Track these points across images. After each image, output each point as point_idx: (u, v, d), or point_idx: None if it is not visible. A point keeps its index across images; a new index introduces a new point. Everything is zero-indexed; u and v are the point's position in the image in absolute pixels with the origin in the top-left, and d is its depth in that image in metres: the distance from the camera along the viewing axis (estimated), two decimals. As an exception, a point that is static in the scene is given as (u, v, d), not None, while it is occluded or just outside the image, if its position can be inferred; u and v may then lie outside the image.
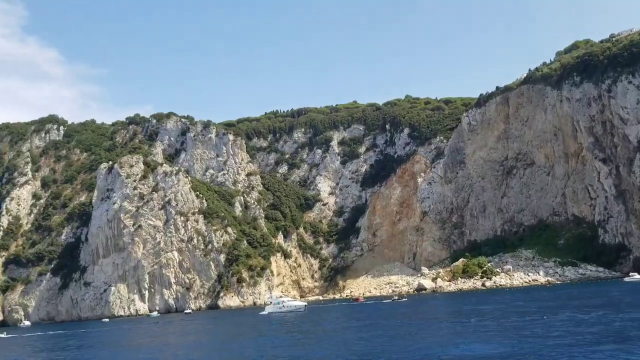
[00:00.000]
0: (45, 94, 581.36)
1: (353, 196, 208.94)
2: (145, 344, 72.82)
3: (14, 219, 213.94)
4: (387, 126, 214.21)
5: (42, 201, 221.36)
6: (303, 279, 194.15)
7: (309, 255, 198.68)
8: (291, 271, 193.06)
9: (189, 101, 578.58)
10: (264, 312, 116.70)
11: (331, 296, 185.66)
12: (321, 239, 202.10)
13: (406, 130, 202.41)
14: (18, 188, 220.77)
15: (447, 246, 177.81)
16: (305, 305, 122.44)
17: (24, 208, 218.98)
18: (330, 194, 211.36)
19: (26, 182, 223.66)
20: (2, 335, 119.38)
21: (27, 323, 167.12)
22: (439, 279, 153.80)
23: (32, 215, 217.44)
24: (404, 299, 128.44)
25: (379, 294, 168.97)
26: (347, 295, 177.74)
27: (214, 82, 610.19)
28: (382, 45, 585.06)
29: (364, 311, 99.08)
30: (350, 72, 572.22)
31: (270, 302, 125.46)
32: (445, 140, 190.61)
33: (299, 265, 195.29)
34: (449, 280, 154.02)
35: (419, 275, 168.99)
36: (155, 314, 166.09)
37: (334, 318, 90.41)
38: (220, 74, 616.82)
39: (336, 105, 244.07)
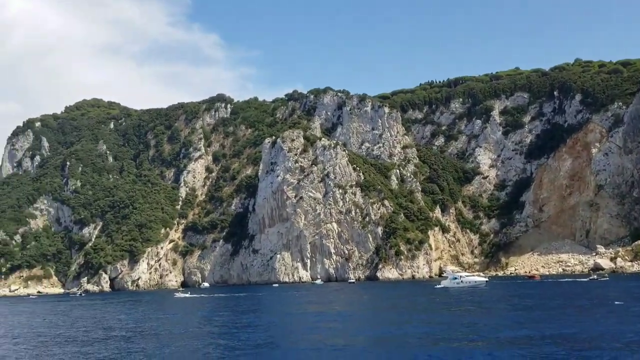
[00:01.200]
0: (208, 77, 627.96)
1: (516, 169, 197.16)
2: (365, 309, 75.22)
3: (191, 190, 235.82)
4: (555, 93, 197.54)
5: (213, 174, 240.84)
6: (462, 254, 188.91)
7: (468, 230, 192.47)
8: (449, 246, 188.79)
9: (340, 76, 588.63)
10: (439, 286, 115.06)
11: (493, 273, 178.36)
12: (481, 214, 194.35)
13: (578, 97, 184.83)
14: (193, 162, 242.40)
15: (627, 223, 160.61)
16: (486, 281, 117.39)
17: (198, 180, 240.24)
18: (491, 166, 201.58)
19: (200, 157, 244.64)
20: (187, 295, 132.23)
21: (206, 285, 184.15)
22: (618, 259, 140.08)
23: (206, 187, 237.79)
24: (605, 278, 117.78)
25: (547, 273, 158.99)
26: (511, 273, 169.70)
27: (367, 55, 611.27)
28: (546, 6, 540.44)
29: (566, 290, 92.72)
30: (511, 37, 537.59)
31: (447, 277, 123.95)
32: (624, 107, 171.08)
33: (458, 240, 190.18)
34: (631, 261, 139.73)
35: (594, 254, 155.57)
36: (318, 281, 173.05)
37: (534, 295, 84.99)
38: (373, 46, 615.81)
39: (496, 72, 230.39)
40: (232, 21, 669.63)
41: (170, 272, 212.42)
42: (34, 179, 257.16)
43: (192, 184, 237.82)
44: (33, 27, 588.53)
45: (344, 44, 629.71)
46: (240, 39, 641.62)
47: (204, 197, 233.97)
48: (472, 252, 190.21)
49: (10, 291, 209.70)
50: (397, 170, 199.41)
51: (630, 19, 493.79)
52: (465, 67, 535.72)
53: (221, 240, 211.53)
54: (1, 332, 66.25)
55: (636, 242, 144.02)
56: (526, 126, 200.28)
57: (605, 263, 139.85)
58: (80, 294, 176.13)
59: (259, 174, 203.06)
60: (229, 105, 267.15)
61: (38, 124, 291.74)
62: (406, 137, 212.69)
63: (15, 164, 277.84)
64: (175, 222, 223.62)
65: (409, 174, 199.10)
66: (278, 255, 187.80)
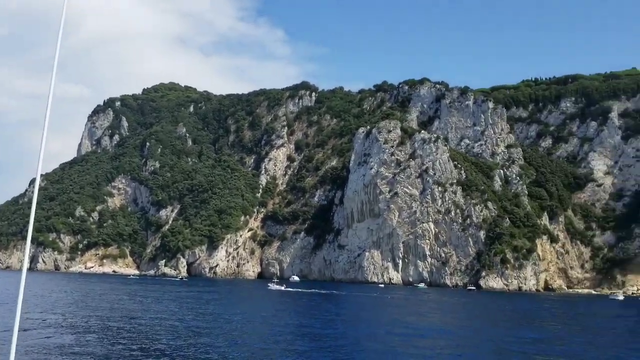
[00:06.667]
0: (270, 72, 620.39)
1: (637, 178, 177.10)
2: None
3: (271, 178, 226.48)
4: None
5: (295, 163, 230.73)
6: (571, 267, 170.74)
7: (578, 242, 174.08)
8: (557, 258, 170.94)
9: (405, 74, 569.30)
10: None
11: (606, 291, 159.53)
12: (594, 225, 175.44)
13: None
14: (275, 150, 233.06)
15: None
16: None
17: (279, 169, 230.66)
18: (607, 173, 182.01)
19: (282, 145, 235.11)
20: (282, 288, 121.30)
21: (296, 278, 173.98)
22: None
23: (287, 176, 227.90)
24: None
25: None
26: (633, 293, 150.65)
27: (458, 47, 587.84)
28: None
29: None
30: (628, 33, 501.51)
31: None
32: None
33: (567, 252, 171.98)
34: None
35: None
36: (422, 285, 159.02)
37: None
38: (466, 38, 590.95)
39: (612, 72, 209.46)
40: (298, 16, 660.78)
41: (248, 262, 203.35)
42: (113, 157, 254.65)
43: (273, 172, 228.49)
44: (106, 15, 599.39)
45: (405, 36, 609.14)
46: (306, 35, 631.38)
47: (284, 186, 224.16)
48: (582, 267, 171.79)
49: (85, 268, 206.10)
50: (501, 171, 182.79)
51: None
52: (575, 65, 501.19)
53: (302, 233, 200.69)
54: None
55: None
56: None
57: None
58: (182, 279, 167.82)
59: (350, 165, 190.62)
60: (313, 94, 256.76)
61: (118, 103, 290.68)
62: (510, 135, 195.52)
63: (94, 142, 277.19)
64: (255, 210, 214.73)
65: (514, 176, 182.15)
66: (367, 253, 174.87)
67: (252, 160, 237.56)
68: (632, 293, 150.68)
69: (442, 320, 65.38)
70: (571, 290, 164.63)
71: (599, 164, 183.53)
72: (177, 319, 54.08)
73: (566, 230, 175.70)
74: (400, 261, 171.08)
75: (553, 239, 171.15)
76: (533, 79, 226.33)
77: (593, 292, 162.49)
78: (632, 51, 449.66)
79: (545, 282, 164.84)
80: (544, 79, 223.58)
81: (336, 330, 50.14)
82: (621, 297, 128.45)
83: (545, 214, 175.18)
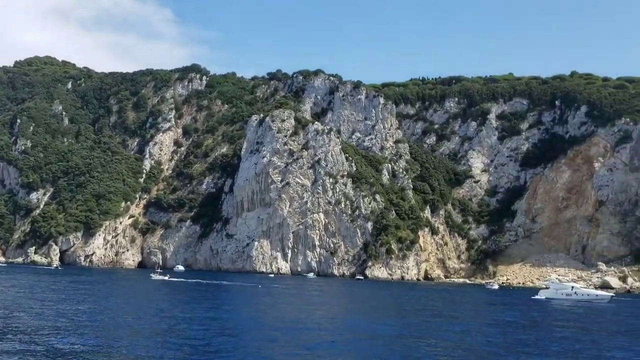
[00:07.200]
0: (157, 53, 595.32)
1: (509, 176, 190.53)
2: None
3: (156, 163, 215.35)
4: (557, 102, 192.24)
5: (183, 149, 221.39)
6: (449, 258, 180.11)
7: (456, 234, 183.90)
8: (437, 249, 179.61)
9: (298, 64, 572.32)
10: (538, 297, 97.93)
11: (479, 280, 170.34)
12: (470, 219, 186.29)
13: (583, 109, 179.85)
14: (161, 133, 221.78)
15: (628, 242, 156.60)
16: (612, 297, 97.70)
17: (165, 154, 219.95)
18: (484, 171, 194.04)
19: (169, 129, 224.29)
20: (166, 278, 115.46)
21: (181, 268, 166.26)
22: (629, 279, 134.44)
23: (173, 162, 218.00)
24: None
25: (544, 286, 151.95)
26: (503, 283, 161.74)
27: (348, 41, 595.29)
28: (545, 15, 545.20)
29: None
30: (507, 41, 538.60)
31: (548, 287, 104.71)
32: (632, 123, 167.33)
33: (446, 244, 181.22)
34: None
35: (594, 270, 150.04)
36: (311, 275, 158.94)
37: None
38: (361, 32, 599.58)
39: (491, 76, 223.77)
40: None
41: (128, 250, 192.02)
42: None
43: (158, 156, 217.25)
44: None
45: (316, 28, 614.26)
46: (196, 17, 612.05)
47: (170, 172, 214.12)
48: (458, 257, 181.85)
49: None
50: (389, 165, 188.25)
51: (629, 36, 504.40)
52: (458, 66, 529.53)
53: (188, 221, 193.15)
54: None
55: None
56: (523, 133, 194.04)
57: (614, 282, 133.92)
58: (56, 267, 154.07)
59: (242, 152, 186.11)
60: (204, 77, 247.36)
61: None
62: (399, 131, 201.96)
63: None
64: (137, 196, 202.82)
65: (400, 170, 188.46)
66: (256, 243, 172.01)
67: (135, 144, 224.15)
68: (502, 282, 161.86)
69: (329, 309, 64.75)
70: (448, 279, 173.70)
71: (477, 162, 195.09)
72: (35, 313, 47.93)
73: (446, 223, 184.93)
74: (290, 251, 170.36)
75: (434, 231, 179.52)
76: (421, 78, 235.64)
77: (467, 281, 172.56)
78: (509, 58, 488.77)
79: (426, 271, 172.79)
80: (430, 78, 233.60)
81: (219, 323, 47.15)
82: (496, 287, 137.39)
83: (428, 207, 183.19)
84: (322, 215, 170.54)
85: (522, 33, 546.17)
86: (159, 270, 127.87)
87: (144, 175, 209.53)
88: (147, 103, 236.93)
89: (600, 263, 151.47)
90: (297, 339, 39.14)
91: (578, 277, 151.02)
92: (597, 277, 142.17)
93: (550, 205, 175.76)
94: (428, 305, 75.61)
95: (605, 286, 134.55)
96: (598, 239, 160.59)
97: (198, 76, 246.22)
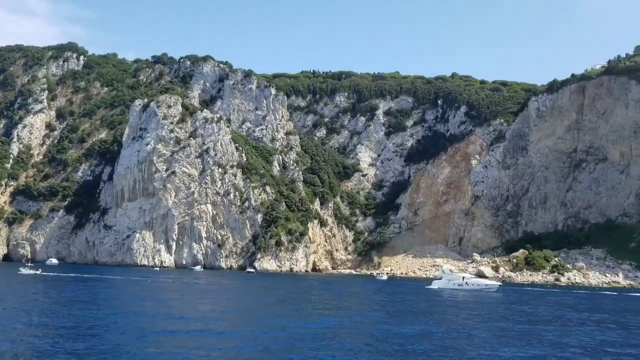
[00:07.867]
0: (27, 30, 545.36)
1: (395, 170, 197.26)
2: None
3: (25, 147, 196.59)
4: (439, 101, 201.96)
5: (56, 133, 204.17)
6: (336, 250, 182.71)
7: (344, 227, 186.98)
8: (325, 241, 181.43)
9: (185, 48, 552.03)
10: (432, 287, 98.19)
11: (365, 271, 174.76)
12: (357, 211, 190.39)
13: (463, 109, 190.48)
14: (32, 115, 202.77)
15: (499, 234, 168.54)
16: (499, 285, 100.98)
17: (36, 137, 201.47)
18: (371, 165, 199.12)
19: (40, 110, 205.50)
20: (38, 272, 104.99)
21: (55, 261, 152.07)
22: (501, 268, 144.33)
23: (45, 147, 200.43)
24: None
25: (424, 276, 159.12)
26: (387, 273, 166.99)
27: (238, 28, 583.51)
28: (428, 19, 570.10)
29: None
30: (394, 42, 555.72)
31: (441, 277, 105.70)
32: (505, 124, 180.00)
33: (334, 236, 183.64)
34: (511, 271, 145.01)
35: (470, 261, 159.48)
36: (198, 268, 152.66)
37: (599, 308, 70.55)
38: (253, 20, 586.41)
39: (379, 73, 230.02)
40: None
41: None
42: None
43: (27, 140, 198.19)
44: None
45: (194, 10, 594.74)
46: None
47: (41, 157, 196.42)
48: (345, 249, 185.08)
49: None
50: (280, 157, 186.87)
51: (502, 44, 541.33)
52: (347, 62, 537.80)
53: (62, 211, 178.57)
54: None
55: (514, 254, 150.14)
56: (408, 130, 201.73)
57: (488, 271, 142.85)
58: None
59: (124, 139, 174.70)
60: (81, 57, 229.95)
61: None
62: (290, 122, 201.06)
63: None
64: (3, 183, 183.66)
65: (291, 162, 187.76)
66: (137, 235, 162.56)
67: (1, 125, 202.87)
68: (387, 273, 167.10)
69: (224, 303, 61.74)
70: (335, 271, 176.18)
71: (365, 156, 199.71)
72: None
73: (334, 215, 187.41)
74: (174, 243, 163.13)
75: (323, 223, 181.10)
76: (312, 71, 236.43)
77: (354, 272, 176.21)
78: (396, 56, 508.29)
79: (314, 263, 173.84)
80: (321, 72, 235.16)
81: (96, 322, 42.61)
82: (385, 277, 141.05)
83: (318, 199, 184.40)
84: (210, 207, 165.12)
85: (408, 32, 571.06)
86: (29, 264, 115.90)
87: (10, 161, 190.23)
88: (15, 82, 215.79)
89: (475, 254, 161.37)
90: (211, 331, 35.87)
91: (456, 268, 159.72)
92: (473, 267, 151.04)
93: (432, 199, 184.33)
94: (326, 299, 74.88)
95: (480, 275, 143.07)
96: (473, 232, 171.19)
97: (75, 55, 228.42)
